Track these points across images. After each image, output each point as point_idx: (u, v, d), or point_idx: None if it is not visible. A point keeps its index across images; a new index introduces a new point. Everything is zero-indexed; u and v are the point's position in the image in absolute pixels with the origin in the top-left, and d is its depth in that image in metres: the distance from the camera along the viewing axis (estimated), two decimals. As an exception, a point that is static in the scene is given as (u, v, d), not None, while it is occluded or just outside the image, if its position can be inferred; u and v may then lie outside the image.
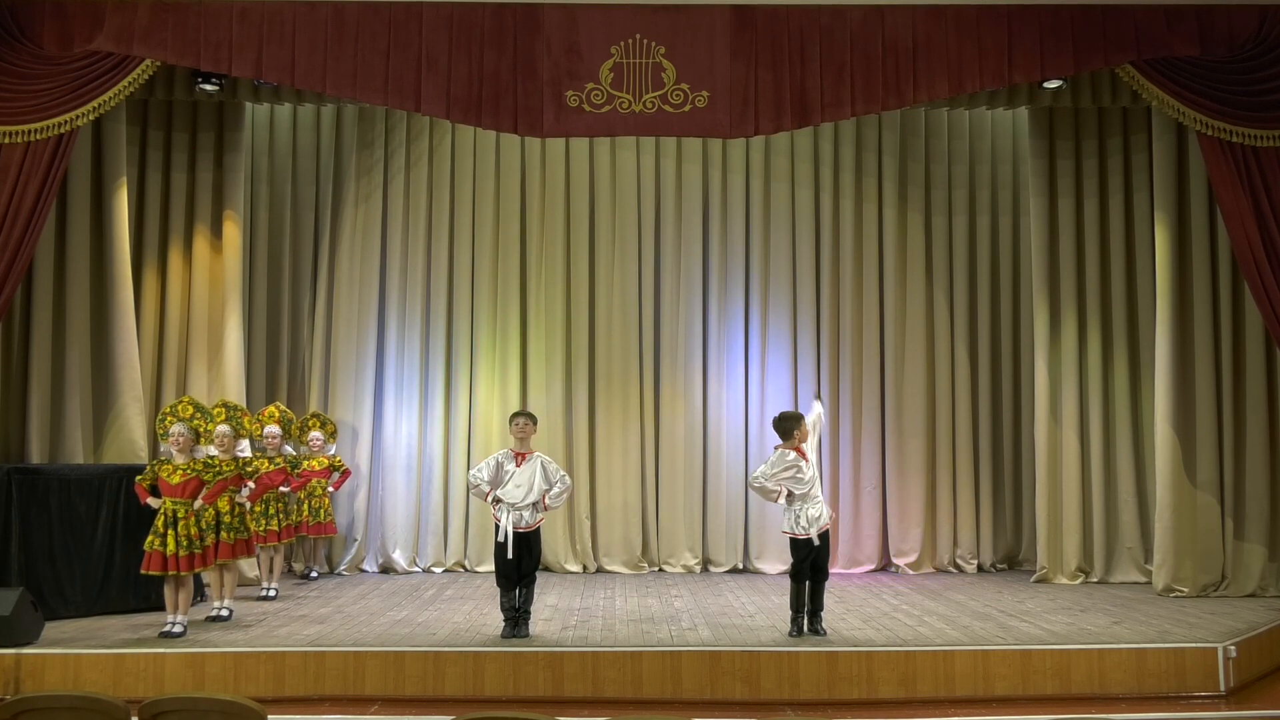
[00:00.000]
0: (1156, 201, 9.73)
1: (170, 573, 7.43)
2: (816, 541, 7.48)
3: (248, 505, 8.44)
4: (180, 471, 7.54)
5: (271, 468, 9.34)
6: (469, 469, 10.87)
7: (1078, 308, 10.28)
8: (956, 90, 8.76)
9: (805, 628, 7.47)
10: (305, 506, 9.81)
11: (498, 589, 7.65)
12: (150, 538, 7.46)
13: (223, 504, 7.98)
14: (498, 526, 7.58)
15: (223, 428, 8.16)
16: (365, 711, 6.65)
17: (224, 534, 7.98)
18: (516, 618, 7.49)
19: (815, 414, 7.86)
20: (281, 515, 9.36)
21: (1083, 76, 9.40)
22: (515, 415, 7.83)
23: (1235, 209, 8.63)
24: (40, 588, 7.94)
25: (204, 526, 7.72)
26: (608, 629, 7.80)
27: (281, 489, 9.42)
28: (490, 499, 7.61)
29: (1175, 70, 8.72)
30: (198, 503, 7.62)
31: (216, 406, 8.54)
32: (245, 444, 8.82)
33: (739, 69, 8.60)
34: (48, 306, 9.13)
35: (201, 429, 7.89)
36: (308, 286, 11.11)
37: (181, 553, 7.44)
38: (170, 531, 7.43)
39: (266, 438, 9.56)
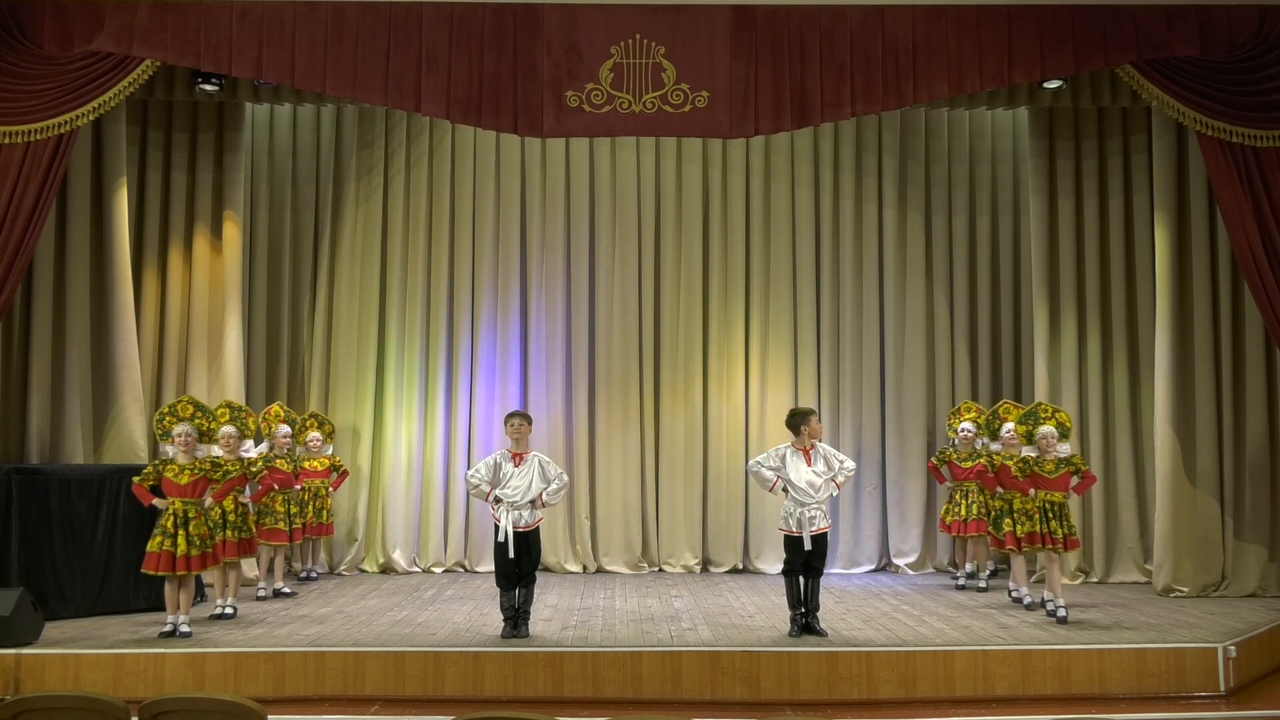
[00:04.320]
0: (1156, 201, 9.73)
1: (180, 572, 7.41)
2: (808, 545, 7.48)
3: (250, 505, 8.53)
4: (187, 471, 7.54)
5: (288, 467, 9.49)
6: (469, 469, 10.91)
7: (1078, 308, 10.28)
8: (956, 90, 8.77)
9: (804, 626, 7.47)
10: (310, 508, 9.84)
11: (497, 589, 7.65)
12: (158, 538, 7.40)
13: (228, 503, 8.09)
14: (497, 526, 7.58)
15: (228, 428, 8.22)
16: (365, 711, 6.65)
17: (229, 533, 8.08)
18: (516, 618, 7.49)
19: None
20: (298, 514, 9.51)
21: (1083, 76, 9.40)
22: (511, 416, 7.83)
23: (1235, 209, 8.63)
24: (40, 588, 7.95)
25: (211, 525, 7.77)
26: (608, 629, 7.80)
27: (296, 488, 9.57)
28: (490, 499, 7.62)
29: (1175, 70, 8.72)
30: (208, 501, 7.66)
31: (220, 407, 8.55)
32: (250, 444, 8.83)
33: (739, 69, 8.60)
34: (48, 306, 9.13)
35: (203, 428, 7.89)
36: (308, 286, 11.10)
37: (194, 552, 7.43)
38: (181, 531, 7.42)
39: (279, 437, 9.58)
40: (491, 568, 10.77)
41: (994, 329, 11.24)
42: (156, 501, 7.58)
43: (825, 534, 7.61)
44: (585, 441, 11.02)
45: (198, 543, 7.46)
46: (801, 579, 7.56)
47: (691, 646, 7.10)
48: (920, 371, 11.03)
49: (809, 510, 7.52)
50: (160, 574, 7.43)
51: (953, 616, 8.19)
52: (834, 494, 7.77)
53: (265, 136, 11.04)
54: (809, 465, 7.60)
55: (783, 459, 7.66)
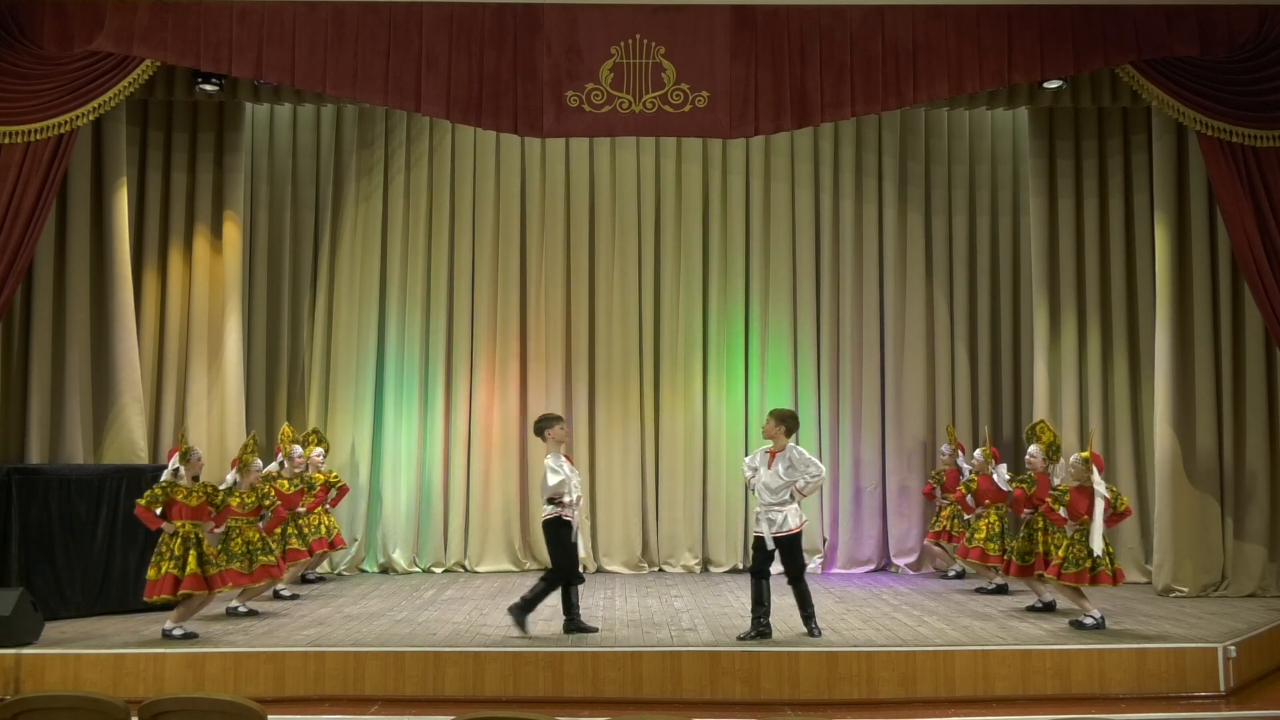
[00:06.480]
0: (1156, 201, 9.73)
1: (184, 592, 7.27)
2: (770, 545, 7.42)
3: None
4: (195, 494, 7.44)
5: (290, 489, 9.27)
6: (468, 469, 10.93)
7: (1078, 308, 10.28)
8: (956, 90, 8.77)
9: (762, 631, 7.33)
10: (324, 526, 9.65)
11: (555, 588, 7.53)
12: (169, 562, 7.22)
13: (252, 533, 8.08)
14: (570, 526, 7.54)
15: (258, 461, 8.28)
16: (365, 711, 6.65)
17: (237, 563, 8.00)
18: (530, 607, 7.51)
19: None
20: (300, 535, 9.29)
21: (1083, 76, 9.40)
22: (557, 419, 7.79)
23: (1235, 209, 8.63)
24: (40, 588, 7.95)
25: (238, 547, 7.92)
26: (608, 629, 7.79)
27: (299, 509, 9.35)
28: (575, 499, 7.60)
29: (1175, 70, 8.72)
30: (211, 527, 7.62)
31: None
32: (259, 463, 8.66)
33: (739, 69, 8.60)
34: (48, 306, 9.13)
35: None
36: (308, 287, 11.10)
37: (211, 571, 7.36)
38: (193, 553, 7.28)
39: (295, 458, 9.46)
40: (492, 568, 10.89)
41: (994, 329, 11.24)
42: (165, 525, 7.36)
43: (794, 536, 7.42)
44: (585, 441, 11.02)
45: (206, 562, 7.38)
46: (765, 581, 7.44)
47: (691, 646, 7.10)
48: (920, 371, 11.03)
49: (768, 512, 7.46)
50: (165, 598, 7.24)
51: (953, 616, 8.19)
52: (795, 499, 7.49)
53: (265, 136, 11.04)
54: (769, 468, 7.52)
55: (757, 459, 7.65)
